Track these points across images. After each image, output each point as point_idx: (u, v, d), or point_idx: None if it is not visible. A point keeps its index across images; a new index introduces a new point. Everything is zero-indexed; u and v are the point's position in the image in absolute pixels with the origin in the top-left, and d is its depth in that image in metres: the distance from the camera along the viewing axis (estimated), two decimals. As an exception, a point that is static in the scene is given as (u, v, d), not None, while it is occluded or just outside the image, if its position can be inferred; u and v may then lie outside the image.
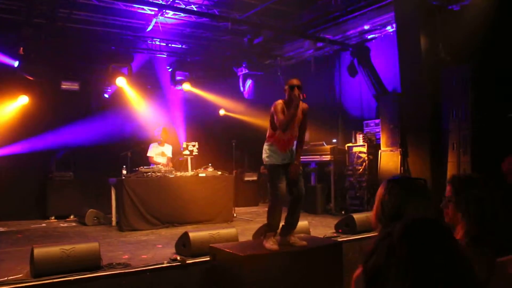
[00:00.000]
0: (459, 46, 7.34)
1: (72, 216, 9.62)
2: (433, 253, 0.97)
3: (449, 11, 7.84)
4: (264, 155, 5.16)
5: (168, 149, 9.61)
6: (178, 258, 5.17)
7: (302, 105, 5.16)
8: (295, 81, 5.00)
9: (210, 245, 5.20)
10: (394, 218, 1.63)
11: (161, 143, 9.55)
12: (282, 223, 5.18)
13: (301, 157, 5.31)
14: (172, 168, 8.97)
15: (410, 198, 1.67)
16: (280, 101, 5.06)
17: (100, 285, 4.54)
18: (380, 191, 1.78)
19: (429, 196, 1.75)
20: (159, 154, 9.47)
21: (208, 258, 5.13)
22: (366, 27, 9.46)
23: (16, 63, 9.24)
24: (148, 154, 9.46)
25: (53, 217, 9.56)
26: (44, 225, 8.97)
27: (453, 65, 7.57)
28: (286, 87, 5.05)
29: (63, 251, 4.62)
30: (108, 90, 10.84)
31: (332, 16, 9.20)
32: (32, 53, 9.18)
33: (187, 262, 5.10)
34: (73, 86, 10.28)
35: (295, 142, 5.23)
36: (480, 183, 2.10)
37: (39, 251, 4.56)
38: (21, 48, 9.09)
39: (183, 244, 5.56)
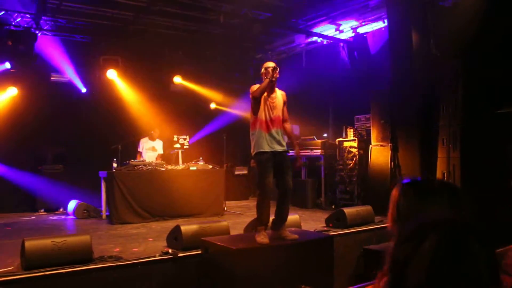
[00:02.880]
0: (450, 42, 7.39)
1: (61, 209, 9.58)
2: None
3: (441, 7, 7.88)
4: (251, 145, 5.18)
5: (158, 144, 9.60)
6: (170, 251, 5.18)
7: (281, 92, 5.32)
8: (270, 63, 5.24)
9: (202, 238, 5.21)
10: (409, 218, 1.62)
11: (152, 138, 9.54)
12: (272, 217, 5.21)
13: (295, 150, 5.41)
14: (163, 162, 8.97)
15: (425, 201, 1.64)
16: (257, 85, 5.21)
17: (92, 278, 4.53)
18: (394, 193, 1.75)
19: (445, 196, 1.70)
20: (150, 148, 9.49)
21: (200, 251, 5.14)
22: (358, 22, 9.49)
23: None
24: (139, 150, 9.48)
25: (42, 210, 9.51)
26: (33, 217, 8.92)
27: (443, 61, 7.62)
28: (262, 70, 5.20)
29: (54, 243, 4.60)
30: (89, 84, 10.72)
31: (324, 11, 9.20)
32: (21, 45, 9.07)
33: (179, 255, 5.11)
34: (63, 77, 10.21)
35: (281, 130, 5.24)
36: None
37: (30, 243, 4.54)
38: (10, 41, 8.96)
39: (175, 237, 5.57)
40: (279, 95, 5.26)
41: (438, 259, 0.93)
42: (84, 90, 10.56)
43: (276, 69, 5.12)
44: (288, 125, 5.38)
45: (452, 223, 0.99)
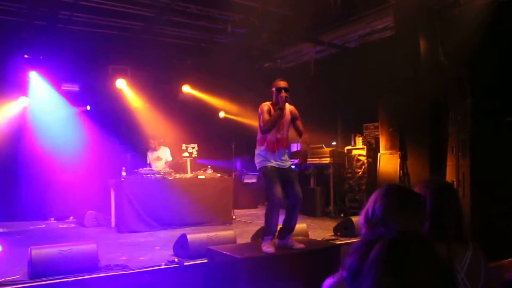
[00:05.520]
0: (458, 49, 7.34)
1: (71, 218, 9.63)
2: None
3: (448, 15, 7.85)
4: (256, 160, 5.16)
5: (163, 152, 9.62)
6: (176, 260, 5.19)
7: (290, 107, 5.23)
8: (282, 83, 5.08)
9: (208, 247, 5.21)
10: (381, 224, 1.64)
11: (153, 148, 9.56)
12: (280, 226, 5.19)
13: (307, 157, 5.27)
14: (171, 170, 8.99)
15: (402, 210, 1.66)
16: (267, 103, 5.14)
17: (98, 286, 4.55)
18: (376, 193, 1.79)
19: (423, 213, 1.75)
20: (155, 159, 9.53)
21: (206, 260, 5.14)
22: (366, 30, 9.49)
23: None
24: (148, 162, 9.54)
25: (52, 218, 9.58)
26: (43, 226, 8.99)
27: (452, 68, 7.57)
28: (273, 89, 5.10)
29: (60, 252, 4.64)
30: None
31: (332, 19, 9.21)
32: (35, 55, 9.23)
33: (185, 264, 5.12)
34: (73, 87, 10.32)
35: (286, 149, 5.26)
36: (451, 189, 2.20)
37: (36, 252, 4.58)
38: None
39: (181, 246, 5.57)
40: (287, 113, 5.20)
41: (383, 268, 0.94)
42: (88, 107, 10.61)
43: (288, 90, 5.04)
44: (305, 136, 5.24)
45: (401, 233, 1.00)
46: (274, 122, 4.99)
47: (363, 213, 1.79)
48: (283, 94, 4.98)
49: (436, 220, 2.04)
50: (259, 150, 5.15)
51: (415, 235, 1.01)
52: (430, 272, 0.94)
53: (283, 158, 5.13)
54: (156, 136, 9.73)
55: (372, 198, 1.79)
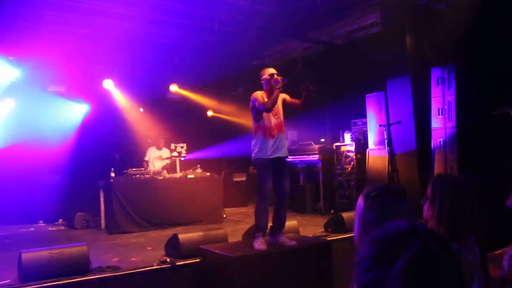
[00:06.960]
0: (444, 44, 7.41)
1: (60, 220, 9.54)
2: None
3: (435, 10, 7.92)
4: (253, 150, 5.14)
5: (165, 153, 9.66)
6: (168, 260, 5.16)
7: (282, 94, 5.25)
8: (271, 69, 5.18)
9: (200, 246, 5.21)
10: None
11: (159, 147, 9.60)
12: (270, 224, 5.20)
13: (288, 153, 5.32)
14: (160, 170, 8.98)
15: (390, 212, 1.65)
16: (259, 91, 5.13)
17: (90, 288, 4.52)
18: (359, 205, 1.75)
19: (408, 203, 1.73)
20: (157, 157, 9.54)
21: (198, 260, 5.14)
22: (353, 26, 9.52)
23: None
24: (146, 159, 9.52)
25: (41, 221, 9.48)
26: (32, 229, 8.89)
27: (438, 63, 7.64)
28: (264, 77, 5.14)
29: (51, 254, 4.59)
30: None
31: (318, 16, 9.22)
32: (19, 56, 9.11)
33: (177, 264, 5.10)
34: (60, 88, 10.22)
35: (284, 134, 5.27)
36: (457, 183, 2.20)
37: (27, 255, 4.53)
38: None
39: (173, 246, 5.56)
40: (280, 100, 5.22)
41: (413, 279, 0.89)
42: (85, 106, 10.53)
43: (279, 74, 5.09)
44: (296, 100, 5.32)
45: (419, 236, 0.95)
46: (274, 101, 4.99)
47: (356, 229, 1.75)
48: (278, 77, 5.03)
49: (450, 219, 2.07)
50: (256, 139, 5.12)
51: (441, 241, 0.96)
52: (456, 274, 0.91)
53: (281, 146, 5.11)
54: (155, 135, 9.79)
55: (357, 210, 1.75)
